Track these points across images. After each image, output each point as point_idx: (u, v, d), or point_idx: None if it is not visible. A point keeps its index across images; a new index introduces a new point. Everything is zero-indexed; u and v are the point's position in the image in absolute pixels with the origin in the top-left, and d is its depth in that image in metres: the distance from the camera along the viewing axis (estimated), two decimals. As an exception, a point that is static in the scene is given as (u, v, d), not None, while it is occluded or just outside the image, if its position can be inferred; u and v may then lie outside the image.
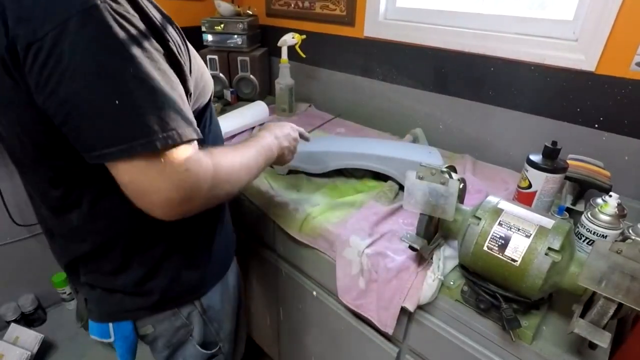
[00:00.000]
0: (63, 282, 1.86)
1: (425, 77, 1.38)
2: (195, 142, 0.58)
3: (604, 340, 0.56)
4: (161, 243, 0.74)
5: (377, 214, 0.96)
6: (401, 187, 1.08)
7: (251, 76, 1.71)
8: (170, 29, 0.59)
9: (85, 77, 0.48)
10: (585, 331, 0.57)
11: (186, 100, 0.59)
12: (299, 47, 1.55)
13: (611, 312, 0.56)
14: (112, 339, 0.80)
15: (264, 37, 1.86)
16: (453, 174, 0.76)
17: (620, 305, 0.56)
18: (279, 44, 1.54)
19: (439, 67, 1.33)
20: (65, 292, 1.89)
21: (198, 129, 0.59)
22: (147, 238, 0.72)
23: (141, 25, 0.53)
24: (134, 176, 0.53)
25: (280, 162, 0.91)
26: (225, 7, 1.71)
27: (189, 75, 0.62)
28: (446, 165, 0.77)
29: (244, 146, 0.75)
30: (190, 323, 0.85)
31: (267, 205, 1.08)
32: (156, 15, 0.57)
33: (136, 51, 0.51)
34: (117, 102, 0.49)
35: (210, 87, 0.76)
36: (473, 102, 1.28)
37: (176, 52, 0.58)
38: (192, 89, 0.64)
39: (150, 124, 0.51)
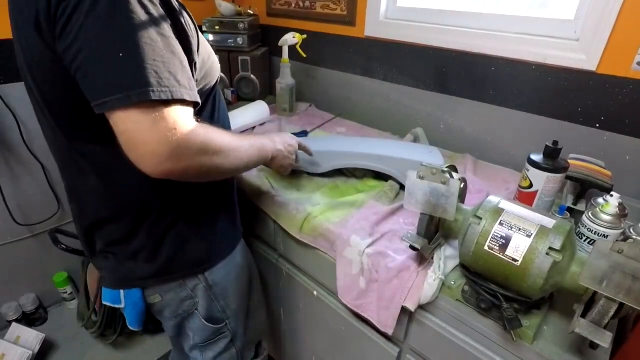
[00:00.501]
0: (64, 281, 1.86)
1: (426, 76, 1.38)
2: (190, 108, 0.63)
3: (605, 340, 0.56)
4: (169, 213, 0.79)
5: (378, 214, 0.96)
6: (402, 187, 1.08)
7: (252, 76, 1.71)
8: (177, 5, 0.65)
9: (98, 30, 0.55)
10: (587, 331, 0.57)
11: (187, 68, 0.64)
12: (300, 46, 1.55)
13: (612, 312, 0.56)
14: (122, 305, 0.87)
15: (264, 37, 1.86)
16: (454, 174, 0.76)
17: (621, 305, 0.56)
18: (279, 43, 1.54)
19: (440, 67, 1.33)
20: (66, 292, 1.89)
21: (195, 95, 0.64)
22: (155, 207, 0.77)
23: (157, 7, 0.59)
24: (127, 125, 0.57)
25: (275, 166, 0.96)
26: (226, 7, 1.71)
27: (195, 48, 0.69)
28: (447, 165, 0.77)
29: (239, 136, 0.79)
30: (196, 296, 0.90)
31: (268, 205, 1.08)
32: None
33: (142, 15, 0.57)
34: (120, 54, 0.55)
35: (217, 70, 0.82)
36: (474, 102, 1.28)
37: (183, 23, 0.65)
38: (197, 61, 0.70)
39: (148, 77, 0.56)
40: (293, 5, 1.70)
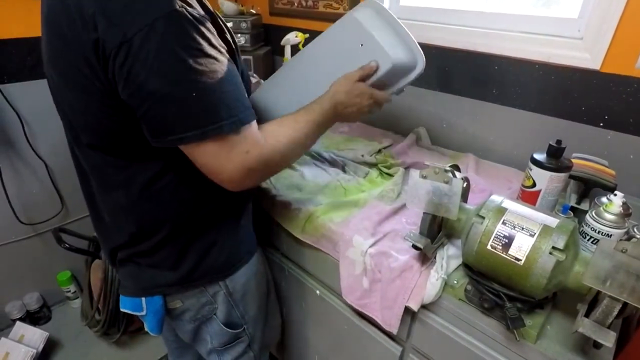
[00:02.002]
0: (68, 280, 1.87)
1: (429, 75, 1.37)
2: (254, 123, 0.68)
3: (608, 339, 0.56)
4: (195, 225, 0.81)
5: (380, 214, 0.96)
6: (405, 180, 1.08)
7: (254, 75, 1.71)
8: (225, 25, 0.71)
9: (169, 72, 0.58)
10: (590, 330, 0.57)
11: (243, 87, 0.68)
12: (302, 46, 1.55)
13: (616, 311, 0.56)
14: (144, 313, 0.87)
15: (267, 36, 1.86)
16: (457, 173, 0.76)
17: (625, 304, 0.56)
18: (282, 42, 1.54)
19: (442, 66, 1.33)
20: (70, 291, 1.90)
21: (253, 112, 0.68)
22: (182, 220, 0.79)
23: (210, 26, 0.62)
24: (205, 159, 0.65)
25: (353, 119, 0.92)
26: (228, 6, 1.72)
27: (239, 61, 0.74)
28: (450, 165, 0.77)
29: (294, 117, 0.80)
30: (215, 302, 0.90)
31: (270, 205, 1.08)
32: (216, 13, 0.68)
33: (208, 49, 0.60)
34: (194, 94, 0.59)
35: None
36: (477, 101, 1.28)
37: (232, 44, 0.70)
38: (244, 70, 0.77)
39: (220, 112, 0.62)
40: (295, 4, 1.70)
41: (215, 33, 0.63)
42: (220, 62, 0.62)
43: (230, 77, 0.64)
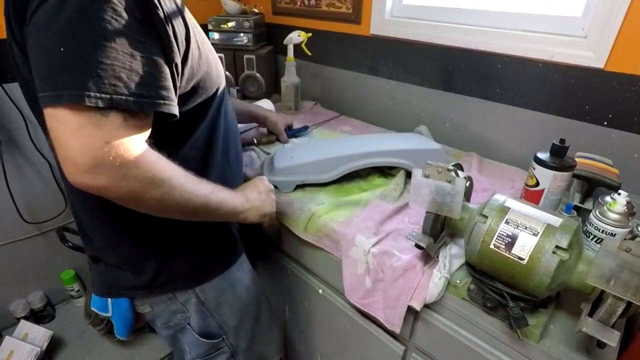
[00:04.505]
0: (72, 279, 1.87)
1: (432, 74, 1.38)
2: (141, 121, 0.57)
3: (612, 339, 0.55)
4: (153, 226, 0.74)
5: (383, 213, 0.96)
6: (407, 178, 1.08)
7: (257, 74, 1.71)
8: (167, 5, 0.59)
9: (45, 19, 0.51)
10: (594, 330, 0.57)
11: (159, 72, 0.58)
12: (305, 45, 1.55)
13: (620, 310, 0.56)
14: (109, 314, 0.84)
15: (270, 35, 1.86)
16: (459, 172, 0.76)
17: (629, 303, 0.56)
18: (284, 42, 1.54)
19: (445, 65, 1.33)
20: (73, 289, 1.91)
21: (164, 104, 0.58)
22: (139, 218, 0.68)
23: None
24: (53, 123, 0.52)
25: (255, 217, 0.86)
26: (231, 6, 1.72)
27: (178, 51, 0.61)
28: (452, 164, 0.77)
29: (201, 180, 0.71)
30: (187, 310, 0.86)
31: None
32: None
33: (101, 7, 0.51)
34: (61, 49, 0.50)
35: (216, 79, 0.76)
36: (480, 100, 1.27)
37: (163, 19, 0.57)
38: (183, 67, 0.64)
39: (86, 79, 0.51)
40: (298, 3, 1.70)
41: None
42: (117, 27, 0.52)
43: (130, 53, 0.54)
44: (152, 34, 0.57)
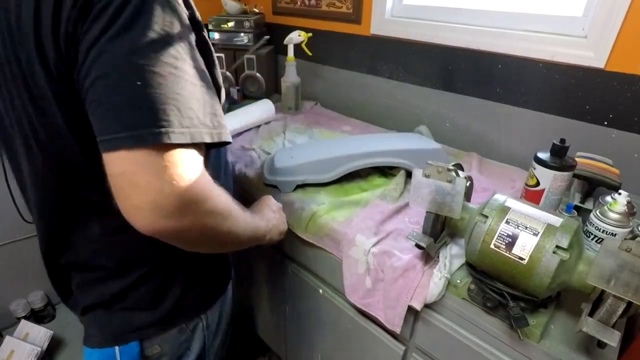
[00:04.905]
0: (72, 279, 1.87)
1: (432, 74, 1.38)
2: (202, 152, 0.53)
3: (613, 339, 0.55)
4: (176, 258, 0.70)
5: (383, 213, 0.96)
6: (408, 179, 1.08)
7: (257, 74, 1.71)
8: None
9: (128, 52, 0.45)
10: (594, 330, 0.57)
11: (214, 98, 0.54)
12: (305, 45, 1.55)
13: (620, 310, 0.56)
14: None
15: (270, 35, 1.86)
16: (460, 172, 0.76)
17: (629, 303, 0.56)
18: (285, 42, 1.54)
19: (445, 65, 1.33)
20: (74, 289, 1.91)
21: (221, 134, 0.54)
22: (164, 255, 0.68)
23: (186, 19, 0.51)
24: (127, 167, 0.46)
25: (276, 236, 0.88)
26: (231, 5, 1.72)
27: (219, 70, 0.60)
28: (453, 163, 0.77)
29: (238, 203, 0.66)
30: (193, 337, 0.80)
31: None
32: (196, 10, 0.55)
33: (179, 41, 0.49)
34: (138, 83, 0.45)
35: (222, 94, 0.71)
36: (480, 100, 1.27)
37: (207, 39, 0.56)
38: (221, 85, 0.62)
39: (168, 114, 0.46)
40: (298, 3, 1.70)
41: (191, 29, 0.52)
42: (193, 62, 0.50)
43: (203, 83, 0.51)
44: (200, 57, 0.54)
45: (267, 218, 0.84)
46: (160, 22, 0.47)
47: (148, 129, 0.45)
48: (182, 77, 0.48)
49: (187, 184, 0.48)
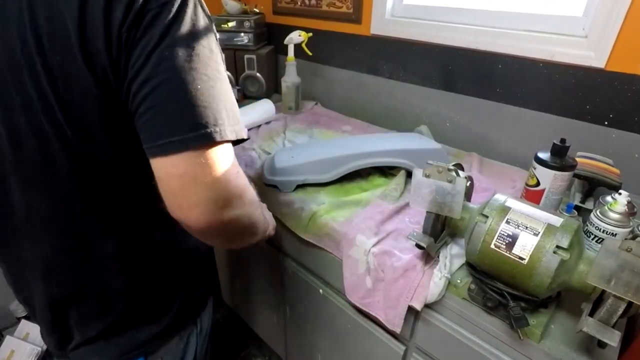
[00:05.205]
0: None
1: (432, 74, 1.37)
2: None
3: (613, 339, 0.55)
4: (181, 266, 0.73)
5: (383, 213, 0.96)
6: (408, 181, 1.08)
7: (257, 74, 1.71)
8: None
9: (187, 58, 0.48)
10: (594, 330, 0.57)
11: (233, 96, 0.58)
12: (306, 45, 1.55)
13: (620, 310, 0.56)
14: None
15: (270, 35, 1.86)
16: (460, 172, 0.76)
17: (630, 303, 0.56)
18: (285, 41, 1.54)
19: (446, 65, 1.33)
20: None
21: (244, 130, 0.57)
22: (171, 263, 0.70)
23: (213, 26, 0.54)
24: (189, 167, 0.48)
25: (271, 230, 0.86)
26: (232, 5, 1.72)
27: None
28: (453, 163, 0.77)
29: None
30: (188, 344, 0.81)
31: (272, 204, 1.08)
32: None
33: (215, 46, 0.52)
34: (199, 86, 0.49)
35: None
36: (480, 100, 1.27)
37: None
38: None
39: (222, 112, 0.51)
40: (299, 3, 1.70)
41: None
42: (221, 64, 0.54)
43: (228, 86, 0.54)
44: None
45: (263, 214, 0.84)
46: (204, 27, 0.51)
47: (210, 128, 0.49)
48: (224, 80, 0.52)
49: (235, 177, 0.53)
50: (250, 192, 0.58)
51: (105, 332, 0.68)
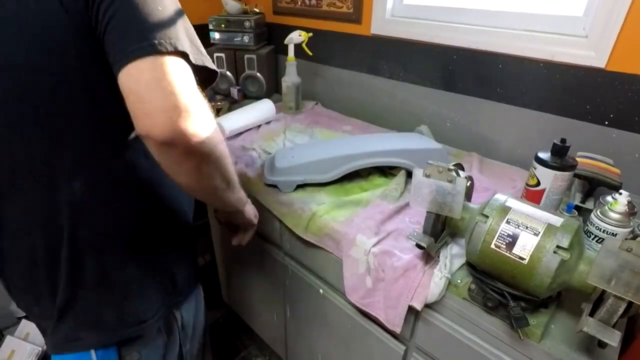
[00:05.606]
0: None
1: (433, 74, 1.37)
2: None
3: (613, 339, 0.55)
4: (177, 227, 0.76)
5: (383, 213, 0.96)
6: (408, 181, 1.08)
7: (258, 74, 1.71)
8: None
9: None
10: (595, 330, 0.57)
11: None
12: (306, 44, 1.55)
13: (621, 310, 0.56)
14: None
15: (270, 35, 1.86)
16: (460, 172, 0.76)
17: (630, 303, 0.56)
18: (285, 41, 1.54)
19: (446, 65, 1.33)
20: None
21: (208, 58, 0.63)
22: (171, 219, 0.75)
23: None
24: (155, 74, 0.52)
25: (248, 218, 0.88)
26: (232, 5, 1.72)
27: None
28: (453, 163, 0.77)
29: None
30: (168, 339, 0.81)
31: (273, 204, 1.08)
32: None
33: None
34: (159, 8, 0.55)
35: None
36: (481, 100, 1.27)
37: None
38: None
39: (181, 35, 0.56)
40: (299, 3, 1.70)
41: None
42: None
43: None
44: None
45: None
46: None
47: (170, 40, 0.54)
48: (181, 12, 0.59)
49: (195, 95, 0.56)
50: (214, 123, 0.60)
51: (70, 304, 0.69)
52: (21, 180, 0.63)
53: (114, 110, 0.58)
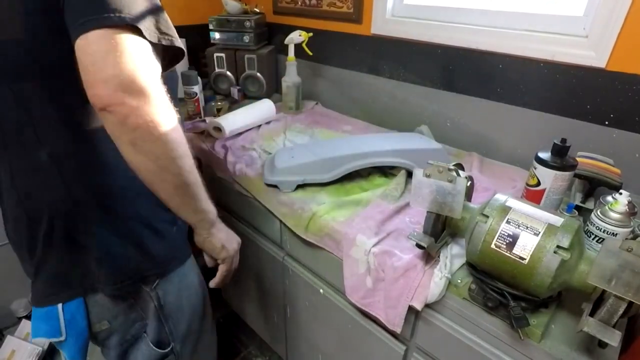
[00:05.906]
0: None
1: (433, 74, 1.37)
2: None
3: (614, 339, 0.55)
4: (138, 197, 0.74)
5: (384, 213, 0.96)
6: (408, 181, 1.08)
7: (258, 74, 1.71)
8: None
9: None
10: (595, 330, 0.57)
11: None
12: (306, 44, 1.55)
13: (621, 310, 0.56)
14: (62, 338, 0.73)
15: (270, 35, 1.86)
16: (460, 172, 0.76)
17: (630, 303, 0.56)
18: (285, 41, 1.54)
19: (446, 64, 1.33)
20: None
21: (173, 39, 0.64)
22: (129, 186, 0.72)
23: None
24: (105, 45, 0.55)
25: (219, 244, 0.84)
26: (232, 5, 1.72)
27: None
28: (453, 163, 0.77)
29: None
30: (146, 317, 0.81)
31: (273, 204, 1.08)
32: None
33: None
34: None
35: None
36: (481, 100, 1.27)
37: None
38: None
39: (138, 9, 0.58)
40: (299, 3, 1.70)
41: None
42: None
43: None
44: None
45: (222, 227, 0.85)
46: None
47: (125, 14, 0.56)
48: None
49: (145, 71, 0.57)
50: (163, 97, 0.60)
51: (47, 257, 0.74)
52: (8, 141, 0.68)
53: (75, 82, 0.59)
